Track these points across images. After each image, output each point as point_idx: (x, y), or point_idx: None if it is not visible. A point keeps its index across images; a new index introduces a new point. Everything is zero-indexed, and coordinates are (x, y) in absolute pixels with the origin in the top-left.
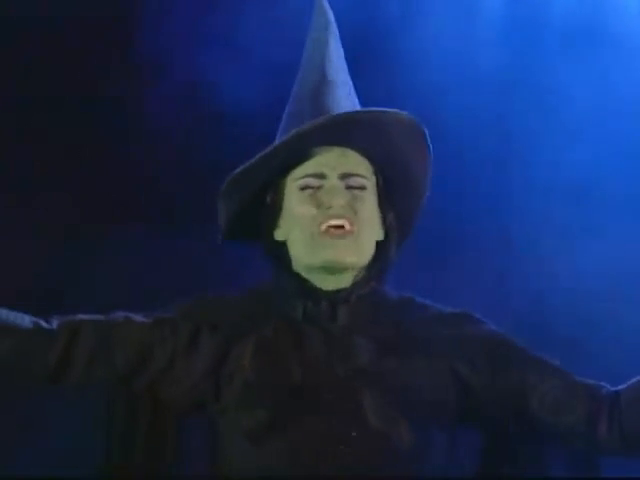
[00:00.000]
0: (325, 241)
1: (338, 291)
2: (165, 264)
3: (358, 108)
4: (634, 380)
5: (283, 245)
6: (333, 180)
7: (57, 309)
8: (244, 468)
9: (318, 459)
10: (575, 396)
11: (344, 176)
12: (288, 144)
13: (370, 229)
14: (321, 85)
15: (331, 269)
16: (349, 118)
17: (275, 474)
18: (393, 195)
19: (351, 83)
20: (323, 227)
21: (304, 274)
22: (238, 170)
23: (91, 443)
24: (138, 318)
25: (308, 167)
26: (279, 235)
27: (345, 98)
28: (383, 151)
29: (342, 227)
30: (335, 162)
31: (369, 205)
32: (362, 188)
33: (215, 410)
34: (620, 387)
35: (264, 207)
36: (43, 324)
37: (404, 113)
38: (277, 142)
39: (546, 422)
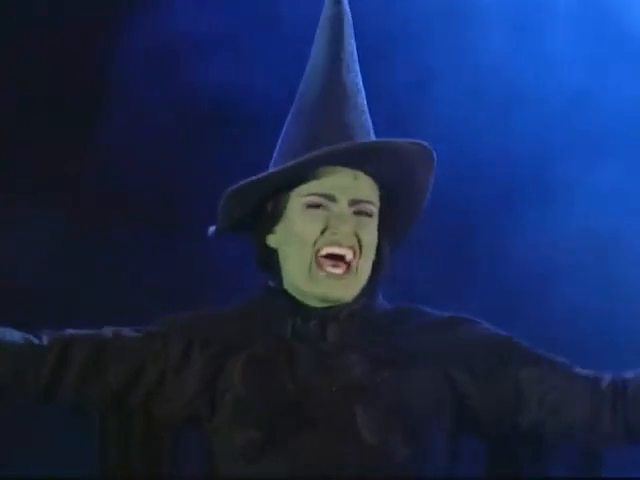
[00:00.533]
0: (321, 278)
1: (327, 309)
2: (165, 264)
3: (370, 125)
4: None
5: (274, 252)
6: (343, 205)
7: (58, 310)
8: None
9: (313, 476)
10: (575, 394)
11: (354, 202)
12: (302, 165)
13: (370, 256)
14: (331, 92)
15: (325, 301)
16: (368, 147)
17: None
18: (393, 215)
19: (361, 84)
20: (322, 252)
21: (294, 290)
22: (243, 183)
23: (84, 457)
24: (128, 332)
25: (317, 186)
26: (272, 241)
27: (354, 108)
28: (393, 177)
29: (342, 258)
30: (347, 186)
31: (373, 234)
32: (369, 215)
33: (209, 427)
34: (628, 374)
35: (263, 212)
36: (34, 340)
37: (421, 143)
38: (285, 160)
39: (546, 422)
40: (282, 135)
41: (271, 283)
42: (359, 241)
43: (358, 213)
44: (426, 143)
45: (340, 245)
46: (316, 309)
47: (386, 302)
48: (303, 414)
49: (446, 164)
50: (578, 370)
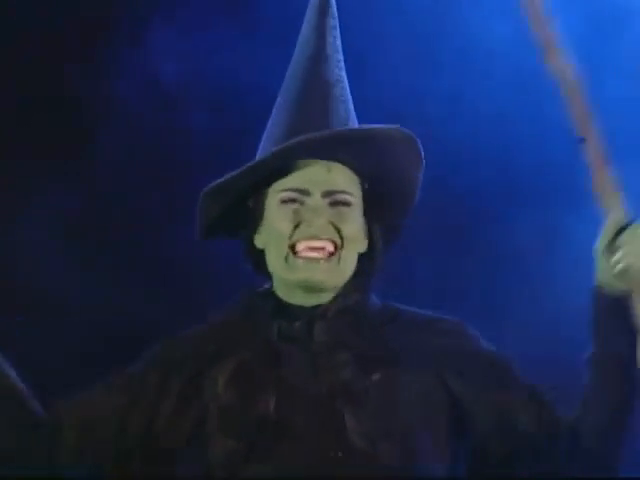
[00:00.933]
0: (298, 264)
1: (315, 307)
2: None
3: (350, 114)
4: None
5: (262, 252)
6: (316, 197)
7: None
8: None
9: None
10: (552, 435)
11: (327, 194)
12: (274, 158)
13: (354, 246)
14: (310, 85)
15: (308, 288)
16: (338, 135)
17: None
18: (381, 204)
19: (344, 75)
20: (300, 247)
21: (281, 287)
22: (220, 181)
23: None
24: (110, 390)
25: (291, 181)
26: (259, 242)
27: (333, 99)
28: (372, 165)
29: (322, 249)
30: (320, 178)
31: (354, 222)
32: (347, 204)
33: (200, 440)
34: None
35: (247, 210)
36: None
37: (395, 128)
38: (262, 154)
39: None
40: (265, 131)
41: (267, 285)
42: (339, 232)
43: (334, 204)
44: (404, 129)
45: (318, 238)
46: (302, 308)
47: (376, 299)
48: (289, 419)
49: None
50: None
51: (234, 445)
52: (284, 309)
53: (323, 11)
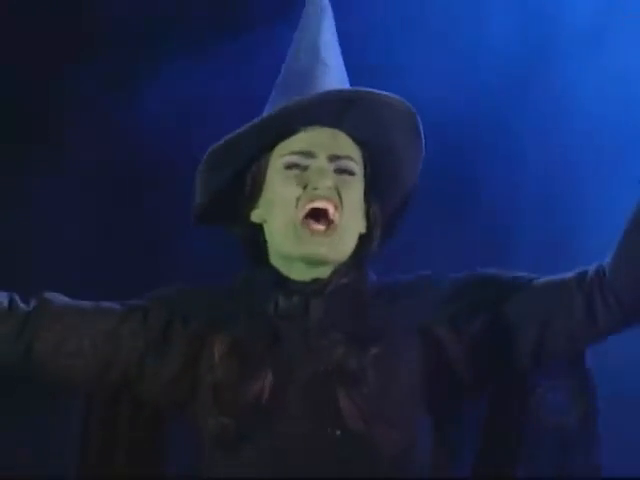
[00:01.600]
0: (305, 236)
1: (313, 282)
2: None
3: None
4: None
5: (259, 229)
6: (322, 160)
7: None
8: (220, 474)
9: (294, 465)
10: (561, 297)
11: (334, 158)
12: (275, 118)
13: (354, 220)
14: (314, 66)
15: (310, 262)
16: (341, 96)
17: None
18: (381, 187)
19: (344, 69)
20: (307, 209)
21: (280, 261)
22: (221, 142)
23: (66, 444)
24: (109, 306)
25: (296, 143)
26: (256, 216)
27: (338, 82)
28: (374, 136)
29: (325, 213)
30: (325, 142)
31: (356, 192)
32: (351, 173)
33: (191, 412)
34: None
35: (243, 187)
36: (18, 305)
37: (397, 97)
38: (264, 115)
39: (545, 339)
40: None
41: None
42: (340, 197)
43: (339, 171)
44: (399, 97)
45: (321, 198)
46: (300, 284)
47: (374, 276)
48: (282, 401)
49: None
50: (556, 277)
51: (227, 422)
52: (281, 283)
53: (321, 6)
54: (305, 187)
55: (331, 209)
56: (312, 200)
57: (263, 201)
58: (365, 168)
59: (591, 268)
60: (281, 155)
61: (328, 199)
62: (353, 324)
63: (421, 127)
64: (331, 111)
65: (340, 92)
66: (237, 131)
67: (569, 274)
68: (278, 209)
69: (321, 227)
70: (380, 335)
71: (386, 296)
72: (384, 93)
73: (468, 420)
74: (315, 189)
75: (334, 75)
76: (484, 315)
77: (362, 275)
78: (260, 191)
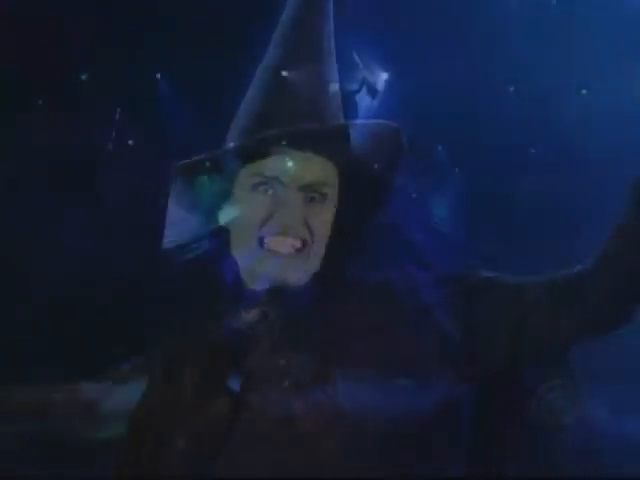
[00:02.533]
0: (265, 256)
1: (278, 288)
2: None
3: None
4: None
5: (226, 230)
6: (292, 191)
7: None
8: None
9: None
10: (536, 301)
11: (304, 188)
12: (252, 146)
13: (324, 240)
14: (293, 64)
15: (272, 282)
16: (320, 132)
17: None
18: (357, 192)
19: (334, 52)
20: (267, 240)
21: (245, 271)
22: (192, 160)
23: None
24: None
25: (267, 167)
26: (222, 218)
27: (328, 84)
28: (352, 158)
29: (290, 245)
30: (298, 169)
31: (327, 217)
32: (323, 199)
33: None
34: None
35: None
36: None
37: (376, 123)
38: (239, 139)
39: (519, 339)
40: (242, 104)
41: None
42: (310, 229)
43: (309, 200)
44: (382, 122)
45: (286, 235)
46: (264, 290)
47: (357, 271)
48: (251, 413)
49: None
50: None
51: (184, 445)
52: (245, 292)
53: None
54: (270, 217)
55: (298, 244)
56: (277, 235)
57: (229, 209)
58: (340, 178)
59: (566, 272)
60: (252, 174)
61: (292, 234)
62: (321, 326)
63: (404, 141)
64: (307, 140)
65: (314, 131)
66: (207, 155)
67: (541, 277)
68: (241, 230)
69: (285, 250)
70: (346, 335)
71: (359, 295)
72: (362, 123)
73: (466, 419)
74: (280, 223)
75: (321, 68)
76: (459, 317)
77: (330, 277)
78: (228, 196)
